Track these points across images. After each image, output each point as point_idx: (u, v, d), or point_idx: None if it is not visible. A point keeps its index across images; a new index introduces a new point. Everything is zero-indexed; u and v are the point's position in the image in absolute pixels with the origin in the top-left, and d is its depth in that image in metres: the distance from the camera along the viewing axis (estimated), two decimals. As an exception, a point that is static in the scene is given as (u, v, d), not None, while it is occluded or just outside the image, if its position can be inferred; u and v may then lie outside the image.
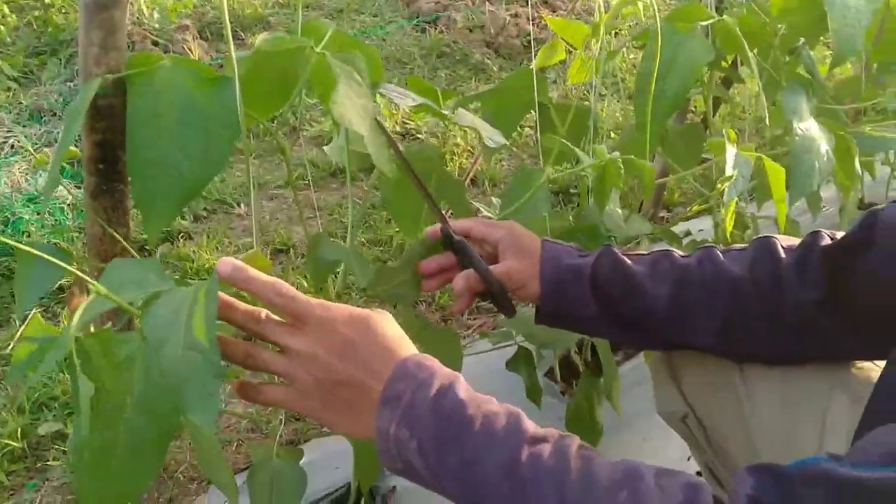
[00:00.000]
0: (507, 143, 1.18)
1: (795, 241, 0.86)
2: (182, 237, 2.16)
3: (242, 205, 2.35)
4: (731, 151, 1.07)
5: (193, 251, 2.07)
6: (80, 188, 2.33)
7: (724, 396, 0.89)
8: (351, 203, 1.20)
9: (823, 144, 1.29)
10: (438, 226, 0.92)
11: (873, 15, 1.26)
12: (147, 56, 0.99)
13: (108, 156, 1.05)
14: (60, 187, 2.26)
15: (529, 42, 3.72)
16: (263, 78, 0.97)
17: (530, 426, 0.64)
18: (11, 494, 1.33)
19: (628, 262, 0.89)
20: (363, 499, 1.30)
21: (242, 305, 0.68)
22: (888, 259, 0.77)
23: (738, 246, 0.89)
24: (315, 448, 1.34)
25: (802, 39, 1.43)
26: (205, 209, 2.32)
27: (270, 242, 2.14)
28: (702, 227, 2.10)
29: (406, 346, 0.69)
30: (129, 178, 0.86)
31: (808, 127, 1.29)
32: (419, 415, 0.63)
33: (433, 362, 0.67)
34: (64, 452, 1.39)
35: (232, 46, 0.87)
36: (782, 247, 0.85)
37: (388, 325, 0.69)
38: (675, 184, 2.41)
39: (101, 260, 1.10)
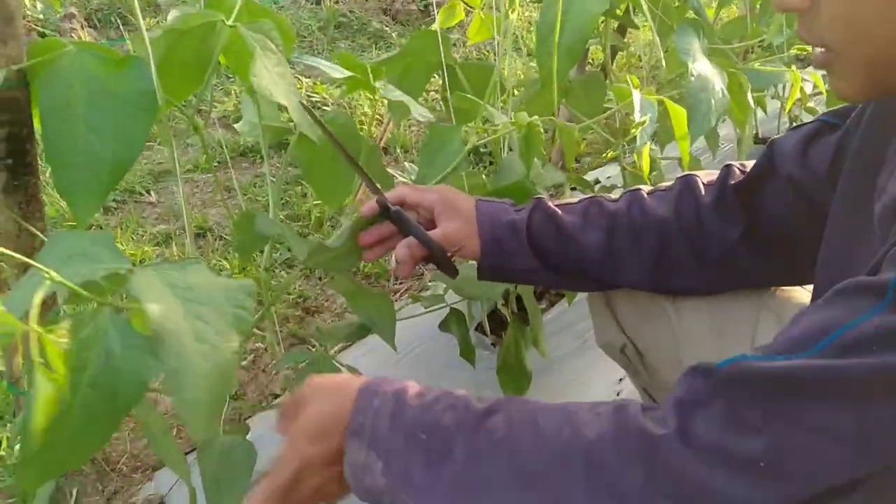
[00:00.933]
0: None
1: (714, 175, 0.91)
2: (93, 230, 2.10)
3: (153, 192, 2.31)
4: (637, 96, 1.12)
5: (108, 244, 2.02)
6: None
7: (658, 326, 0.94)
8: (269, 179, 1.21)
9: (717, 82, 1.36)
10: (374, 199, 0.93)
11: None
12: (48, 43, 0.97)
13: (17, 149, 1.03)
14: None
15: (427, 6, 3.73)
16: (176, 58, 0.96)
17: (476, 406, 0.67)
18: (-52, 506, 1.30)
19: (560, 212, 0.92)
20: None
21: None
22: (786, 186, 0.83)
23: (663, 185, 0.94)
24: (260, 423, 1.34)
25: (689, -17, 1.49)
26: (114, 200, 2.27)
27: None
28: (610, 174, 2.17)
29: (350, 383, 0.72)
30: (49, 170, 0.84)
31: (702, 66, 1.35)
32: (383, 438, 0.66)
33: (379, 385, 0.70)
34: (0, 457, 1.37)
35: (143, 24, 0.86)
36: (703, 184, 0.90)
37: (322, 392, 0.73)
38: (580, 133, 2.47)
39: (20, 255, 1.09)
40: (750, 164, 0.89)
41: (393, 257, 0.95)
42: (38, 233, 1.05)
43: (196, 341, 0.62)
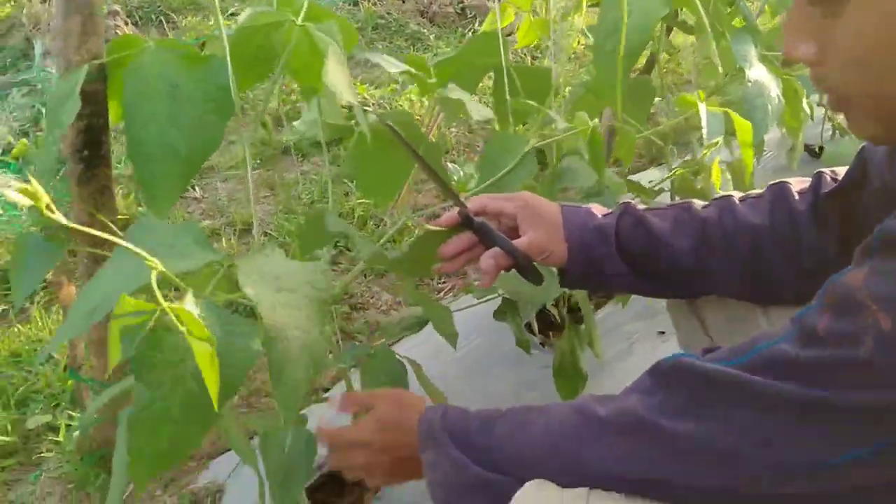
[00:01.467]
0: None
1: (806, 183, 0.89)
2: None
3: (197, 188, 2.34)
4: (703, 108, 1.13)
5: (155, 238, 2.05)
6: (27, 182, 2.30)
7: (748, 333, 0.93)
8: (329, 175, 1.23)
9: (773, 88, 1.36)
10: (455, 211, 0.92)
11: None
12: (126, 40, 1.00)
13: (93, 141, 1.06)
14: (9, 182, 2.23)
15: (463, 9, 3.74)
16: (245, 54, 0.98)
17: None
18: (8, 489, 1.33)
19: (650, 218, 0.91)
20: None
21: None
22: (879, 195, 0.83)
23: (753, 193, 0.92)
24: (312, 416, 1.36)
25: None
26: (160, 195, 2.30)
27: (232, 223, 2.14)
28: (651, 179, 2.17)
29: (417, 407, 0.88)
30: (131, 162, 0.87)
31: (758, 73, 1.36)
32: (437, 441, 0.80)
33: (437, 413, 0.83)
34: (56, 443, 1.39)
35: (221, 22, 0.88)
36: (796, 192, 0.88)
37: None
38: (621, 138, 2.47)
39: (90, 245, 1.11)
40: (841, 171, 0.88)
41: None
42: (110, 223, 1.07)
43: (293, 328, 0.64)
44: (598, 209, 0.97)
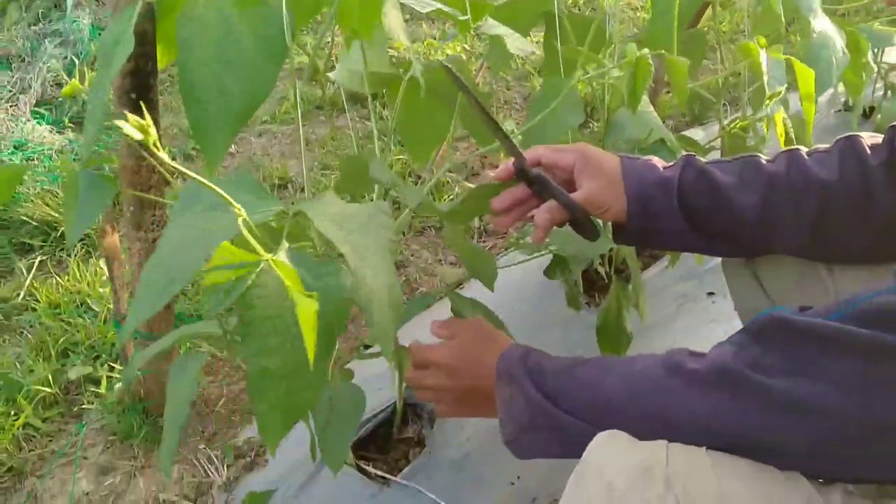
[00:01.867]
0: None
1: (878, 138, 0.85)
2: (175, 178, 2.12)
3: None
4: (764, 55, 1.08)
5: (190, 191, 2.03)
6: (61, 133, 2.28)
7: (811, 293, 0.90)
8: (375, 126, 1.19)
9: (838, 41, 1.31)
10: (511, 162, 0.88)
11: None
12: (177, -21, 0.96)
13: (140, 85, 1.03)
14: (44, 133, 2.21)
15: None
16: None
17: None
18: (50, 440, 1.32)
19: (714, 171, 0.88)
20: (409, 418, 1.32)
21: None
22: None
23: (821, 147, 0.88)
24: (355, 371, 1.34)
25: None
26: (193, 149, 2.28)
27: (268, 178, 2.11)
28: (697, 137, 2.11)
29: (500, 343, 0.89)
30: (184, 106, 0.84)
31: (823, 24, 1.30)
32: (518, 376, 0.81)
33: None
34: (97, 395, 1.38)
35: (279, -39, 0.84)
36: (867, 146, 0.84)
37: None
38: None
39: (138, 191, 1.09)
40: None
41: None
42: (159, 167, 1.05)
43: (372, 270, 0.62)
44: (658, 162, 0.92)
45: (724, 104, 1.57)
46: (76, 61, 2.55)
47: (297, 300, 0.49)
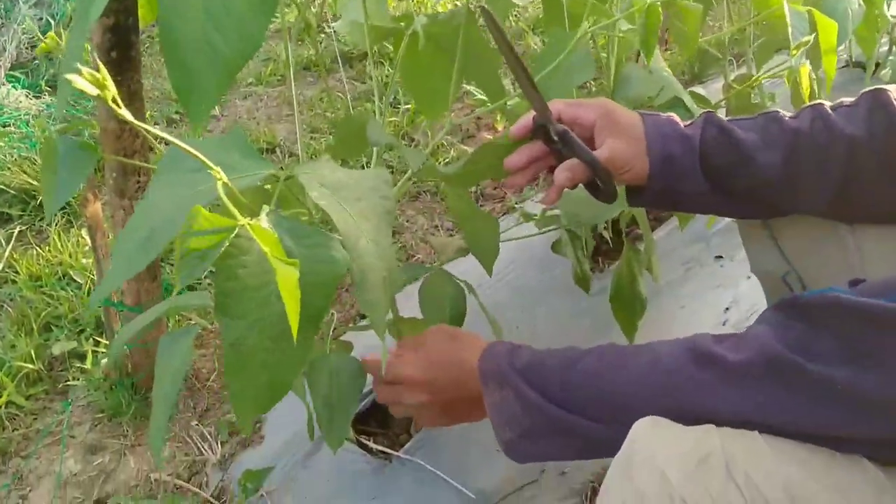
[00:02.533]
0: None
1: None
2: (159, 142, 2.04)
3: (216, 105, 2.23)
4: (787, 7, 1.02)
5: (175, 157, 1.96)
6: (38, 98, 2.19)
7: (832, 254, 0.85)
8: (375, 82, 1.12)
9: (853, -8, 1.25)
10: (530, 117, 0.82)
11: None
12: (157, -74, 0.89)
13: (122, 41, 0.96)
14: (20, 98, 2.12)
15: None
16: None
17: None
18: (35, 418, 1.26)
19: (735, 128, 0.83)
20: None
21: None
22: None
23: (845, 101, 0.83)
24: (353, 342, 1.29)
25: None
26: (177, 112, 2.20)
27: (255, 142, 2.04)
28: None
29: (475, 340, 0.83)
30: (167, 65, 0.77)
31: (839, -25, 1.24)
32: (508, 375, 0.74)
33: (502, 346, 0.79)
34: (82, 371, 1.33)
35: None
36: (895, 100, 0.79)
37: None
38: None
39: (121, 156, 1.02)
40: None
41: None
42: (143, 130, 0.98)
43: (367, 241, 0.58)
44: (677, 119, 0.87)
45: (731, 60, 1.51)
46: (52, 22, 2.45)
47: (275, 266, 0.44)
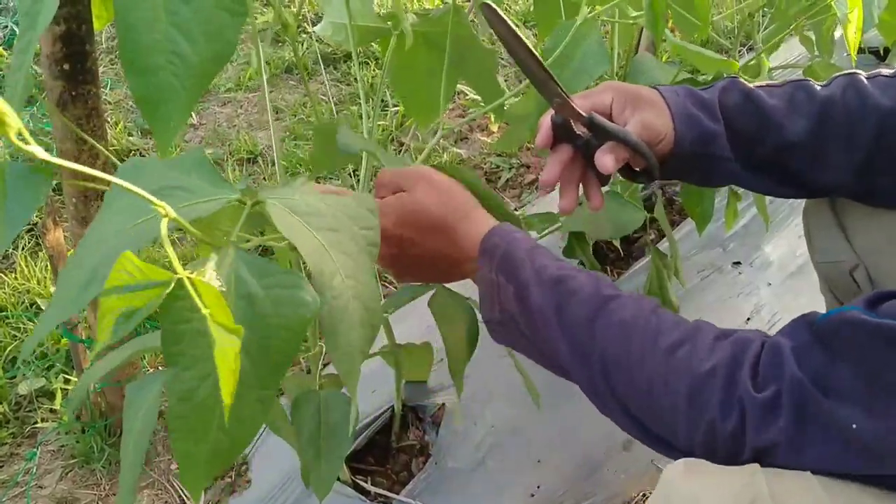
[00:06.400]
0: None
1: None
2: (135, 154, 1.92)
3: (193, 114, 2.12)
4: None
5: (151, 170, 1.84)
6: None
7: None
8: (361, 86, 1.02)
9: (878, -24, 1.16)
10: (549, 118, 0.75)
11: None
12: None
13: (75, 52, 0.85)
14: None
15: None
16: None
17: (608, 285, 0.69)
18: (0, 466, 1.15)
19: (760, 94, 0.79)
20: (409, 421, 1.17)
21: None
22: None
23: (885, 71, 0.78)
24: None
25: None
26: (152, 122, 2.08)
27: (235, 152, 1.93)
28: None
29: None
30: (127, 77, 0.66)
31: (865, -45, 1.15)
32: (515, 266, 0.69)
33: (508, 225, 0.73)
34: (52, 411, 1.21)
35: None
36: None
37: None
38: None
39: (80, 180, 0.91)
40: None
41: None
42: (104, 150, 0.87)
43: (343, 278, 0.51)
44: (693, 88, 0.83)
45: (741, 48, 1.41)
46: (16, 30, 2.33)
47: (215, 336, 0.36)
